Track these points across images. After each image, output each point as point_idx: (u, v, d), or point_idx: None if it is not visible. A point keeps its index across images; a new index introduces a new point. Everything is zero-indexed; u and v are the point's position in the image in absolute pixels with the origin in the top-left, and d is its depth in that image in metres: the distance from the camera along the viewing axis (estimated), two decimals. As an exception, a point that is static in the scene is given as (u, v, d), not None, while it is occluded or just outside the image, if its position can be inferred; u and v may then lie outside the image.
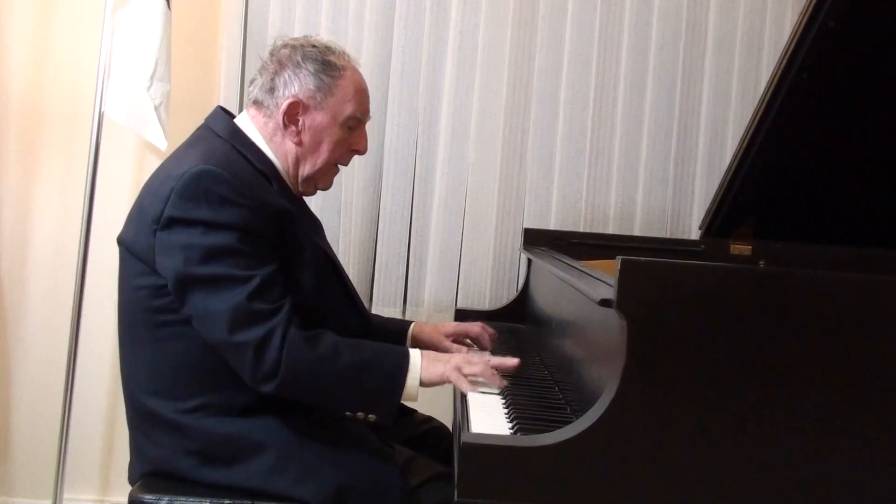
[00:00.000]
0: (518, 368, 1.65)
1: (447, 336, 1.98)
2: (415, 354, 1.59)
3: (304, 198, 1.84)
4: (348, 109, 1.71)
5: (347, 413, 1.69)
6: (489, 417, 1.42)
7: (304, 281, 1.63)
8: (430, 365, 1.58)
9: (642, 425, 1.19)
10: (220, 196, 1.51)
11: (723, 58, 2.68)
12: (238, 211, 1.52)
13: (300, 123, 1.69)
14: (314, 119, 1.70)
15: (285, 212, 1.61)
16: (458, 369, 1.58)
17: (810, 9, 1.72)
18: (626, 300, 1.20)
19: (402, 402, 1.58)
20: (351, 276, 2.48)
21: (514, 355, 1.71)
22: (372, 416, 1.69)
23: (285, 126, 1.69)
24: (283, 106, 1.68)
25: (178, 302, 1.54)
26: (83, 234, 2.52)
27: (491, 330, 2.06)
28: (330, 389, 1.54)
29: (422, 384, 1.57)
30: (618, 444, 1.19)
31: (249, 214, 1.53)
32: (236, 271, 1.50)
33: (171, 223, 1.52)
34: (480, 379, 1.58)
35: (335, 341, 1.54)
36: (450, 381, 1.58)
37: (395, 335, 1.98)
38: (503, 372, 1.64)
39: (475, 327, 2.06)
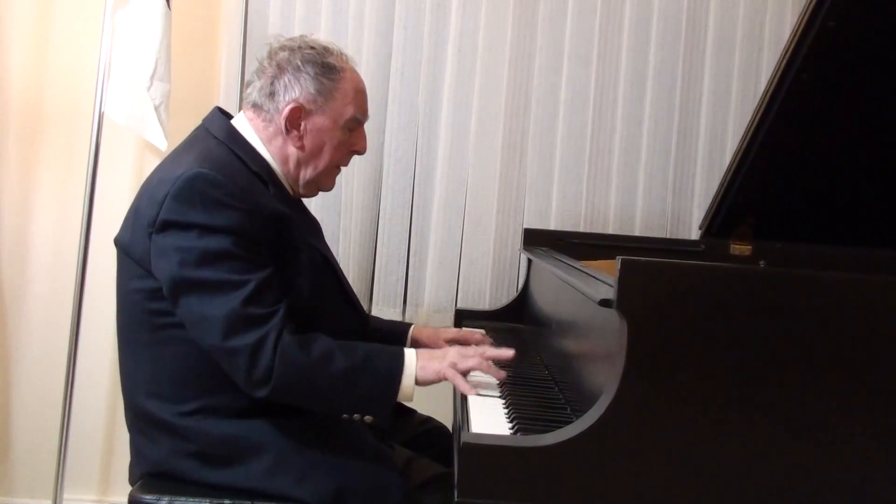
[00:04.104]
0: (517, 367, 1.65)
1: (447, 341, 1.95)
2: (410, 354, 1.57)
3: (304, 199, 1.84)
4: (349, 112, 1.71)
5: (344, 416, 1.68)
6: (489, 417, 1.42)
7: (300, 284, 1.62)
8: (425, 364, 1.56)
9: (642, 425, 1.19)
10: (215, 199, 1.51)
11: (723, 58, 2.68)
12: (233, 214, 1.51)
13: (302, 128, 1.68)
14: (315, 123, 1.69)
15: (281, 215, 1.60)
16: (454, 365, 1.56)
17: (810, 9, 1.72)
18: (626, 300, 1.20)
19: (399, 402, 1.56)
20: (351, 277, 2.50)
21: (513, 355, 1.70)
22: (368, 418, 1.69)
23: (287, 131, 1.68)
24: (285, 111, 1.66)
25: (172, 305, 1.53)
26: (83, 234, 2.52)
27: (490, 340, 2.02)
28: (325, 393, 1.52)
29: (418, 384, 1.55)
30: (618, 444, 1.19)
31: (244, 218, 1.52)
32: (231, 275, 1.49)
33: (166, 226, 1.52)
34: (478, 373, 1.57)
35: (329, 345, 1.52)
36: (446, 379, 1.56)
37: (395, 338, 1.97)
38: (500, 363, 1.62)
39: (476, 335, 2.01)
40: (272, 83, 1.68)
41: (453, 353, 1.60)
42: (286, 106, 1.67)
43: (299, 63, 1.68)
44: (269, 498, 1.54)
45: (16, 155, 2.69)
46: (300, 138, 1.69)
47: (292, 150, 1.70)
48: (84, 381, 2.61)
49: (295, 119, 1.68)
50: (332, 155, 1.72)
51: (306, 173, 1.72)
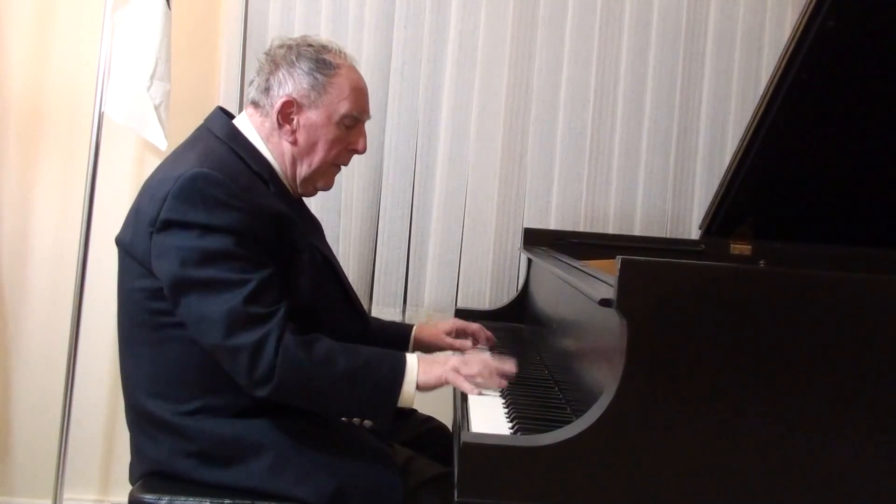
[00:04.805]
0: (517, 369, 1.64)
1: (446, 333, 2.00)
2: (411, 359, 1.57)
3: (305, 198, 1.84)
4: (343, 108, 1.70)
5: (343, 418, 1.68)
6: (489, 417, 1.42)
7: (301, 284, 1.62)
8: (427, 369, 1.56)
9: (642, 425, 1.19)
10: (216, 199, 1.51)
11: (723, 58, 2.68)
12: (234, 214, 1.51)
13: (294, 122, 1.68)
14: (308, 118, 1.69)
15: (282, 215, 1.61)
16: (456, 370, 1.56)
17: (810, 9, 1.72)
18: (626, 300, 1.20)
19: (399, 406, 1.55)
20: (351, 276, 2.50)
21: (514, 355, 1.70)
22: (368, 422, 1.68)
23: (280, 125, 1.68)
24: (278, 105, 1.67)
25: (173, 305, 1.53)
26: (83, 234, 2.52)
27: (489, 332, 2.06)
28: (325, 394, 1.52)
29: (419, 388, 1.55)
30: (618, 444, 1.19)
31: (245, 218, 1.52)
32: (232, 275, 1.49)
33: (167, 226, 1.52)
34: (479, 380, 1.57)
35: (331, 346, 1.52)
36: (448, 383, 1.56)
37: (397, 340, 1.97)
38: (500, 375, 1.62)
39: (473, 324, 2.07)
40: (268, 79, 1.69)
41: (456, 359, 1.61)
42: (279, 100, 1.67)
43: (294, 58, 1.68)
44: (269, 498, 1.54)
45: (16, 155, 2.69)
46: (293, 133, 1.69)
47: (286, 146, 1.70)
48: (84, 381, 2.61)
49: (287, 113, 1.68)
50: (327, 151, 1.71)
51: (301, 170, 1.72)
